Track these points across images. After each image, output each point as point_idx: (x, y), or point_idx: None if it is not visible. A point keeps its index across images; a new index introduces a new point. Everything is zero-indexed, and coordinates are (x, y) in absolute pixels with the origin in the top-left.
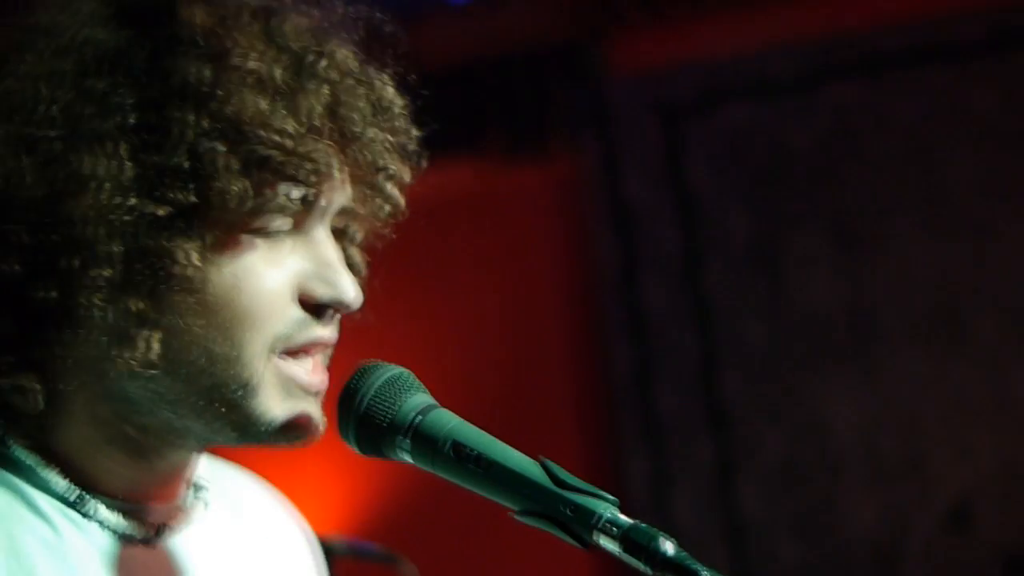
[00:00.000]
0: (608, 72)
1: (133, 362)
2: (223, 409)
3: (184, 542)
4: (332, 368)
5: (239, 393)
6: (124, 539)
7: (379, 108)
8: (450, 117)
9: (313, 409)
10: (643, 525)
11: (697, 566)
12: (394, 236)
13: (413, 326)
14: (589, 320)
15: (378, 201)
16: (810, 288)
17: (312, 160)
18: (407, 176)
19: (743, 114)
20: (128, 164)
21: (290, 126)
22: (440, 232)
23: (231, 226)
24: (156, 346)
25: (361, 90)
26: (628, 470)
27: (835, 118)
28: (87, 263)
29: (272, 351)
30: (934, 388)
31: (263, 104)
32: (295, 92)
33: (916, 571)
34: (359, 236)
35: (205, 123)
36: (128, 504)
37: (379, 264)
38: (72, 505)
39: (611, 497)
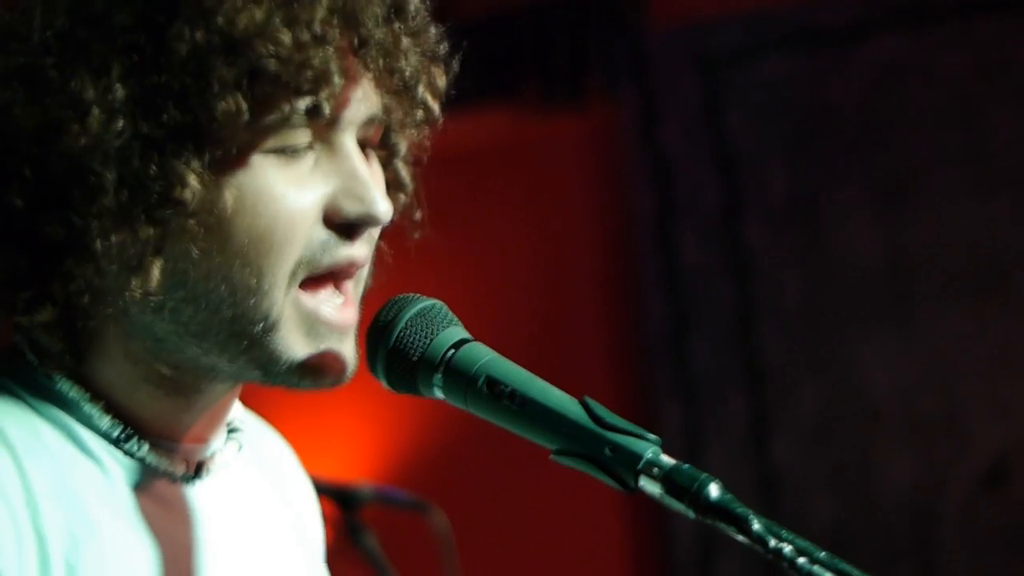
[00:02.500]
0: (648, 21)
1: (139, 290)
2: (245, 344)
3: (221, 482)
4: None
5: (259, 327)
6: (167, 477)
7: (394, 9)
8: (487, 65)
9: (341, 347)
10: (686, 466)
11: (743, 509)
12: (429, 180)
13: (446, 275)
14: (624, 272)
15: (407, 108)
16: (849, 243)
17: (312, 67)
18: (437, 79)
19: (784, 66)
20: (118, 85)
21: (286, 35)
22: (475, 180)
23: (237, 145)
24: (156, 273)
25: None
26: (661, 424)
27: (877, 71)
28: (85, 192)
29: (294, 278)
30: (973, 345)
31: (258, 14)
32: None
33: (952, 529)
34: (403, 148)
35: (198, 37)
36: (169, 443)
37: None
38: (116, 442)
39: (654, 437)
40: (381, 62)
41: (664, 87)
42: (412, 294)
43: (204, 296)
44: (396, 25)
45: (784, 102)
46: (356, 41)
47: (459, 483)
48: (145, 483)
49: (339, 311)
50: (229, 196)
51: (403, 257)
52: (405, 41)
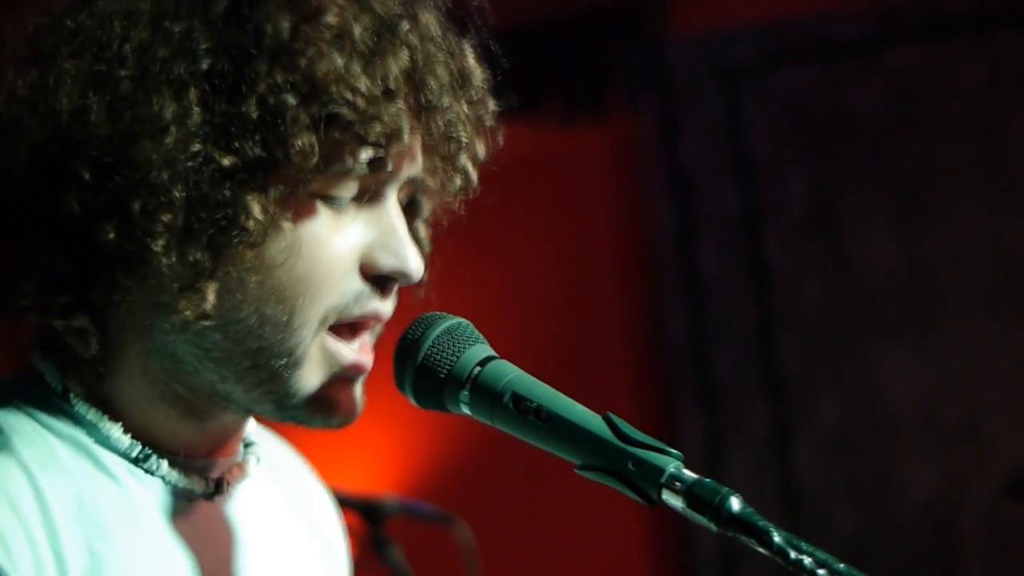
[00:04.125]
0: (668, 33)
1: (188, 312)
2: (264, 376)
3: (241, 497)
4: (386, 332)
5: (283, 362)
6: (186, 494)
7: (458, 78)
8: (508, 78)
9: (354, 389)
10: (708, 481)
11: (764, 522)
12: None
13: (468, 289)
14: (645, 284)
15: (449, 174)
16: (869, 253)
17: (383, 122)
18: (481, 151)
19: (804, 77)
20: (197, 110)
21: (364, 86)
22: (496, 194)
23: (296, 185)
24: (212, 297)
25: (441, 58)
26: (683, 435)
27: (897, 82)
28: (148, 207)
29: (324, 322)
30: (993, 354)
31: (339, 61)
32: (374, 53)
33: (973, 538)
34: (427, 210)
35: (278, 76)
36: (187, 460)
37: (435, 227)
38: (135, 461)
39: (675, 452)
40: (440, 128)
41: (684, 99)
42: (438, 312)
43: (233, 324)
44: (459, 93)
45: (803, 113)
46: (422, 102)
47: (484, 496)
48: (165, 501)
49: (359, 355)
50: (281, 233)
51: (425, 269)
52: (465, 111)
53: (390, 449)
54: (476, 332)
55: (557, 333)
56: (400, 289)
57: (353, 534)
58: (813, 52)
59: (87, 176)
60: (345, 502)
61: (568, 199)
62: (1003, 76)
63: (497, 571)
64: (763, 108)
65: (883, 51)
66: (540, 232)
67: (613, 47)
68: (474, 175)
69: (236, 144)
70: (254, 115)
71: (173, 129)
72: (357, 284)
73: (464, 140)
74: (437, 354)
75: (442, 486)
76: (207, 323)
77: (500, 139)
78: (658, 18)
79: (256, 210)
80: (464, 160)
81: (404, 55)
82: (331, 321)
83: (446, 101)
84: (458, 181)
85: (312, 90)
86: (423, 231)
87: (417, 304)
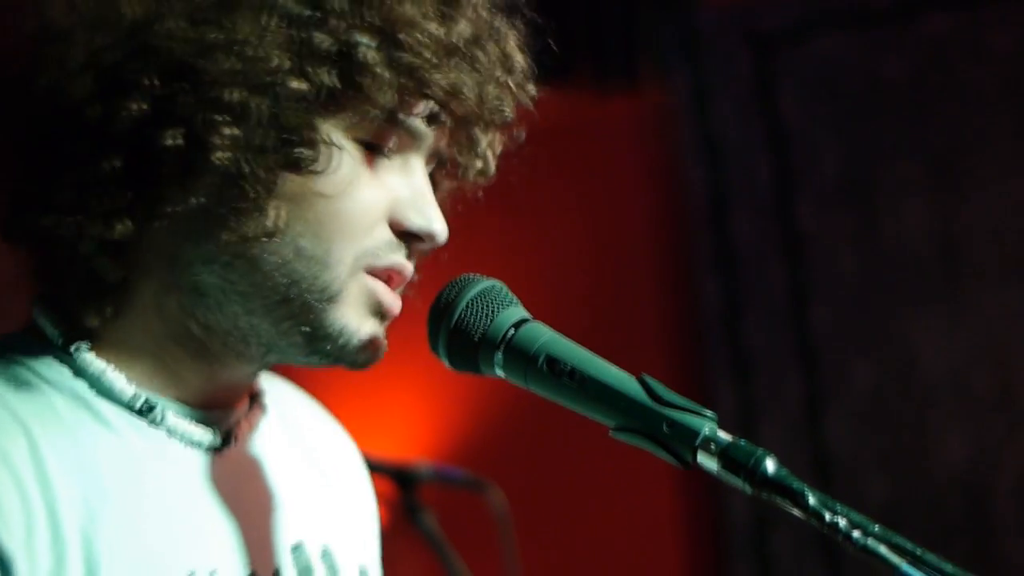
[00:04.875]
0: (700, 1)
1: (258, 229)
2: (295, 310)
3: (248, 450)
4: (418, 296)
5: (317, 296)
6: (191, 446)
7: (506, 60)
8: (538, 46)
9: (382, 330)
10: (743, 442)
11: (799, 484)
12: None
13: (500, 258)
14: (678, 253)
15: (473, 156)
16: (902, 221)
17: (449, 76)
18: (506, 139)
19: (836, 45)
20: (276, 34)
21: (435, 38)
22: (527, 162)
23: (356, 127)
24: (276, 213)
25: (492, 35)
26: (715, 404)
27: (930, 49)
28: (215, 120)
29: (357, 264)
30: None
31: (418, 13)
32: (443, 12)
33: (1005, 508)
34: (443, 188)
35: (357, 12)
36: (193, 411)
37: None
38: (139, 413)
39: (710, 413)
40: (489, 102)
41: (716, 67)
42: (473, 274)
43: (268, 255)
44: (503, 73)
45: (836, 81)
46: (475, 68)
47: (517, 462)
48: (168, 453)
49: (394, 298)
50: (336, 162)
51: (458, 238)
52: (504, 89)
53: (422, 415)
54: (511, 294)
55: (589, 302)
56: (434, 257)
57: (385, 500)
58: (845, 19)
59: (156, 83)
60: (377, 468)
61: (600, 168)
62: None
63: (530, 536)
64: (795, 76)
65: (916, 18)
66: (572, 201)
67: (645, 16)
68: (492, 163)
69: (314, 74)
70: (334, 50)
71: (254, 48)
72: (387, 233)
73: (507, 118)
74: (471, 316)
75: (475, 451)
76: (267, 241)
77: (522, 134)
78: None
79: (325, 138)
80: (487, 145)
81: (466, 22)
82: (362, 265)
83: (499, 75)
84: (478, 164)
85: (386, 32)
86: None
87: (449, 269)
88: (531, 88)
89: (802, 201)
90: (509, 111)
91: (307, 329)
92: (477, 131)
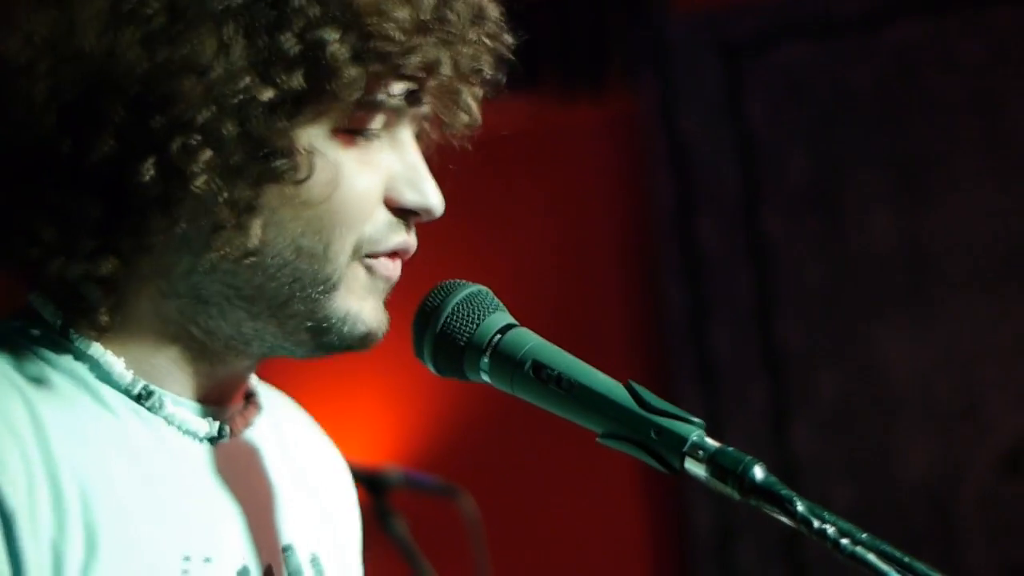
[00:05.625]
0: (668, 9)
1: (229, 250)
2: (299, 307)
3: (244, 445)
4: (396, 302)
5: (319, 289)
6: (188, 435)
7: (477, 15)
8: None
9: (382, 306)
10: (730, 449)
11: (788, 491)
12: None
13: (465, 263)
14: (644, 259)
15: (457, 110)
16: (869, 230)
17: (420, 55)
18: (489, 89)
19: (804, 53)
20: (238, 45)
21: (401, 18)
22: (494, 169)
23: (334, 119)
24: (258, 232)
25: None
26: None
27: (896, 57)
28: (190, 145)
29: (356, 253)
30: (993, 333)
31: None
32: None
33: (970, 516)
34: (430, 142)
35: (318, 8)
36: (189, 402)
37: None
38: (137, 399)
39: (698, 420)
40: (466, 62)
41: (683, 74)
42: (457, 280)
43: (269, 259)
44: (478, 28)
45: (804, 89)
46: (446, 37)
47: (487, 467)
48: (166, 440)
49: (392, 267)
50: (319, 167)
51: (424, 244)
52: (481, 45)
53: (392, 420)
54: (496, 299)
55: (555, 308)
56: (404, 263)
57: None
58: (813, 28)
59: (121, 115)
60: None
61: (567, 175)
62: (1005, 52)
63: (501, 542)
64: (763, 84)
65: (883, 27)
66: (539, 207)
67: (613, 22)
68: (478, 113)
69: (278, 78)
70: (296, 49)
71: (217, 66)
72: (385, 215)
73: (488, 74)
74: (457, 321)
75: (445, 457)
76: (252, 260)
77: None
78: None
79: (303, 143)
80: (474, 96)
81: None
82: (363, 252)
83: (471, 35)
84: (465, 118)
85: (351, 23)
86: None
87: (415, 274)
88: (506, 38)
89: (769, 209)
90: (487, 65)
91: (311, 324)
92: (458, 88)
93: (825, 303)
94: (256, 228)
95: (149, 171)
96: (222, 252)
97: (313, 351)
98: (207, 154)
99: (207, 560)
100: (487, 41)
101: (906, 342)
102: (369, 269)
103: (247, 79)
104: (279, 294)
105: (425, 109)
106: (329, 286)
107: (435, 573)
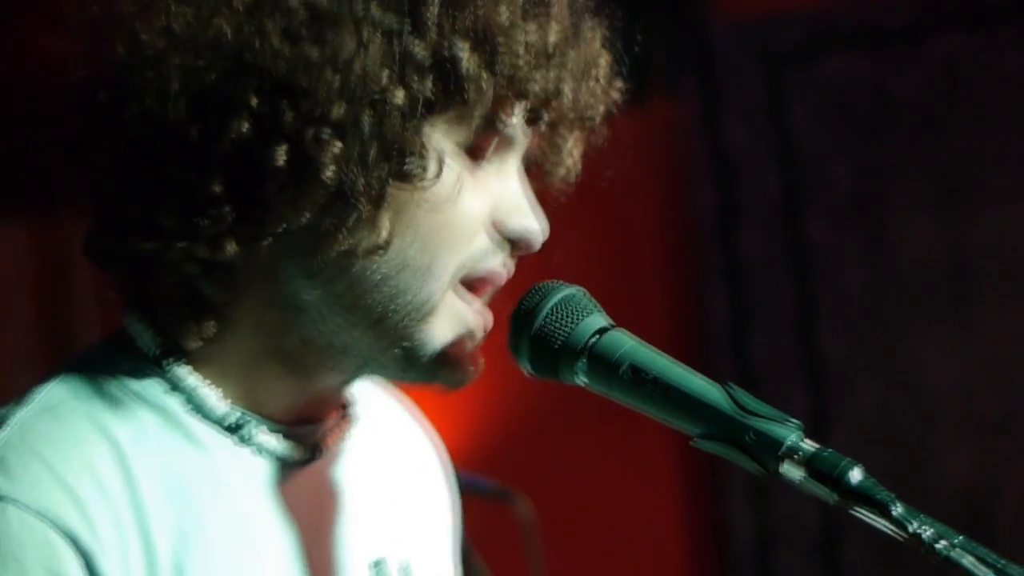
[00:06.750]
0: (711, 17)
1: (367, 242)
2: (396, 325)
3: (338, 462)
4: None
5: (414, 311)
6: (280, 461)
7: (592, 59)
8: None
9: (476, 346)
10: (828, 451)
11: (885, 495)
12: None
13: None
14: (686, 267)
15: (559, 158)
16: (910, 240)
17: (545, 80)
18: (591, 140)
19: (847, 63)
20: (375, 47)
21: (530, 42)
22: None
23: (459, 135)
24: (388, 225)
25: (580, 35)
26: None
27: (941, 69)
28: (323, 136)
29: (456, 275)
30: None
31: (511, 17)
32: (536, 15)
33: (1009, 528)
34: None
35: (454, 21)
36: (285, 426)
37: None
38: (230, 430)
39: (796, 422)
40: (579, 103)
41: (726, 83)
42: (554, 281)
43: (374, 267)
44: (589, 75)
45: (846, 99)
46: (571, 71)
47: (544, 471)
48: (258, 469)
49: (482, 314)
50: (445, 172)
51: None
52: (590, 94)
53: (448, 422)
54: (592, 301)
55: None
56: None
57: None
58: (856, 38)
59: (256, 103)
60: None
61: (609, 182)
62: None
63: (557, 546)
64: (806, 93)
65: (927, 38)
66: (581, 215)
67: (657, 30)
68: (577, 165)
69: (411, 81)
70: (428, 57)
71: (356, 62)
72: (486, 242)
73: (597, 119)
74: (553, 324)
75: (502, 460)
76: (379, 255)
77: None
78: (702, 2)
79: (431, 145)
80: (572, 147)
81: (556, 24)
82: (461, 275)
83: (589, 74)
84: (564, 169)
85: (483, 38)
86: None
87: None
88: (618, 86)
89: (810, 218)
90: (599, 111)
91: (407, 344)
92: (565, 133)
93: (866, 312)
94: (383, 223)
95: (281, 157)
96: (348, 248)
97: (404, 372)
98: (339, 146)
99: None
100: (602, 86)
101: (947, 352)
102: (458, 309)
103: (383, 79)
104: (377, 306)
105: (530, 147)
106: (425, 311)
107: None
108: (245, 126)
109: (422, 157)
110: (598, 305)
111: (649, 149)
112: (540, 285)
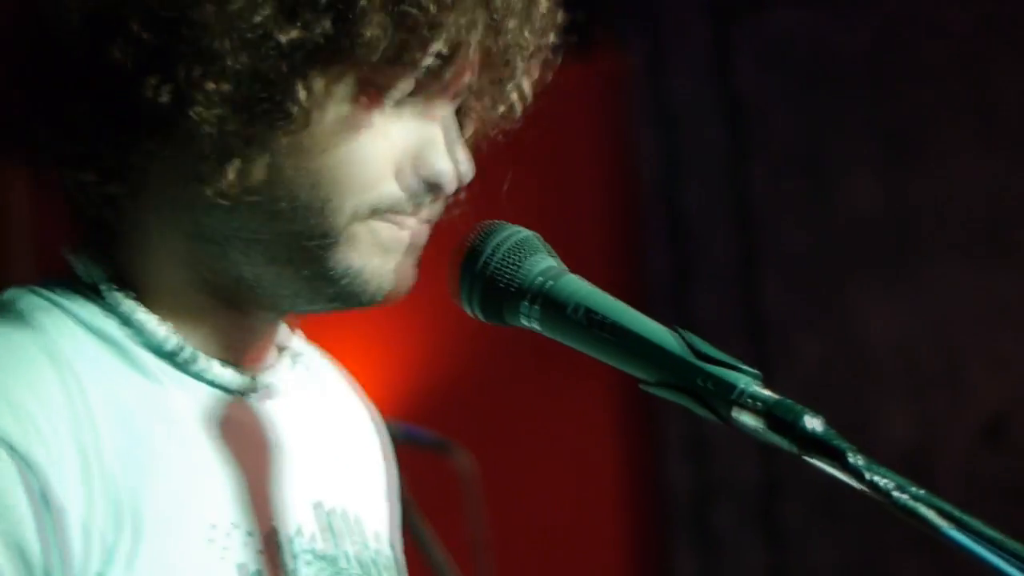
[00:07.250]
0: None
1: (220, 188)
2: (295, 256)
3: (279, 402)
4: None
5: (317, 243)
6: (223, 392)
7: (526, 4)
8: None
9: (395, 264)
10: (788, 400)
11: (845, 445)
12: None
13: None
14: (628, 220)
15: (495, 101)
16: (855, 195)
17: (451, 30)
18: (530, 85)
19: (793, 17)
20: None
21: None
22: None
23: (350, 76)
24: (232, 176)
25: None
26: None
27: (886, 24)
28: (197, 73)
29: (357, 217)
30: (975, 300)
31: None
32: None
33: (949, 484)
34: (468, 132)
35: None
36: (225, 362)
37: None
38: (170, 356)
39: (752, 370)
40: (501, 50)
41: (671, 36)
42: (502, 222)
43: (265, 206)
44: (524, 20)
45: (792, 53)
46: (487, 20)
47: (483, 422)
48: (202, 398)
49: (401, 231)
50: (325, 123)
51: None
52: (527, 38)
53: (387, 373)
54: (544, 244)
55: None
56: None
57: None
58: None
59: (137, 29)
60: None
61: (552, 134)
62: (993, 19)
63: (497, 499)
64: (751, 47)
65: None
66: (523, 166)
67: None
68: (519, 107)
69: (301, 22)
70: None
71: None
72: (393, 188)
73: (520, 68)
74: (505, 267)
75: (442, 412)
76: (224, 202)
77: (549, 76)
78: None
79: (303, 95)
80: (511, 90)
81: None
82: (366, 215)
83: (511, 24)
84: (501, 109)
85: None
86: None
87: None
88: (552, 35)
89: (754, 172)
90: (523, 61)
91: (306, 273)
92: (499, 71)
93: (808, 266)
94: (232, 170)
95: (161, 92)
96: (211, 188)
97: (311, 303)
98: (214, 85)
99: (235, 526)
100: (528, 36)
101: (889, 307)
102: (373, 232)
103: (267, 14)
104: (278, 242)
105: (464, 89)
106: (327, 242)
107: (430, 528)
108: (121, 51)
109: (293, 102)
110: (550, 249)
111: (593, 100)
112: (488, 226)
